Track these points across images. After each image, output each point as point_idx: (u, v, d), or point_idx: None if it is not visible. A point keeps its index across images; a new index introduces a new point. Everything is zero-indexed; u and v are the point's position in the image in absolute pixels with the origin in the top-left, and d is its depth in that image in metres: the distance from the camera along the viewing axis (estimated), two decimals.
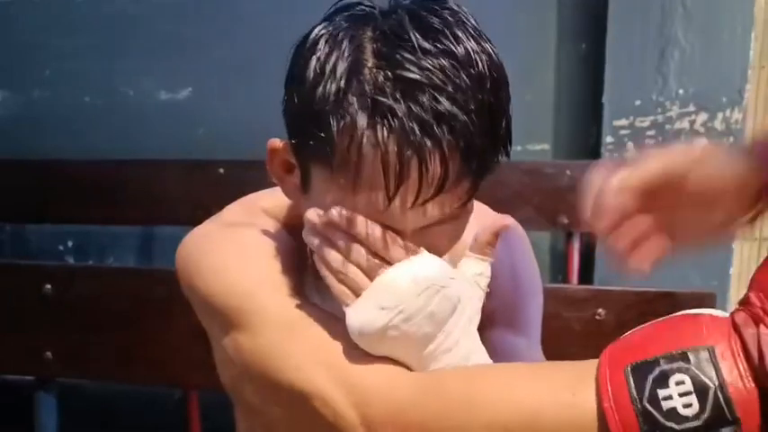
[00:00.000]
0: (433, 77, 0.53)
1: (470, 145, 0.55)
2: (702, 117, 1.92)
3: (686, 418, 0.39)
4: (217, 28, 2.04)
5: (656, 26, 1.89)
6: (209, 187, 1.88)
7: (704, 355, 0.40)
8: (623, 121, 1.94)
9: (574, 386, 0.47)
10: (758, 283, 0.43)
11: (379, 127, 0.53)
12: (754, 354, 0.39)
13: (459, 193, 0.57)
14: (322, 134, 0.55)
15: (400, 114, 0.53)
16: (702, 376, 0.40)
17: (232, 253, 0.65)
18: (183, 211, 1.88)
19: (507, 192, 1.77)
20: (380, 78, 0.54)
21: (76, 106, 2.17)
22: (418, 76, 0.53)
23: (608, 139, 1.94)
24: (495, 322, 0.79)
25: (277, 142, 0.63)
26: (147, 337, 1.15)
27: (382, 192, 0.55)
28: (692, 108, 1.91)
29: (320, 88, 0.55)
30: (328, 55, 0.56)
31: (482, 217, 0.77)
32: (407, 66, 0.53)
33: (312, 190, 0.60)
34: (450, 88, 0.53)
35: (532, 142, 2.06)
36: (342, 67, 0.54)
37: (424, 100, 0.53)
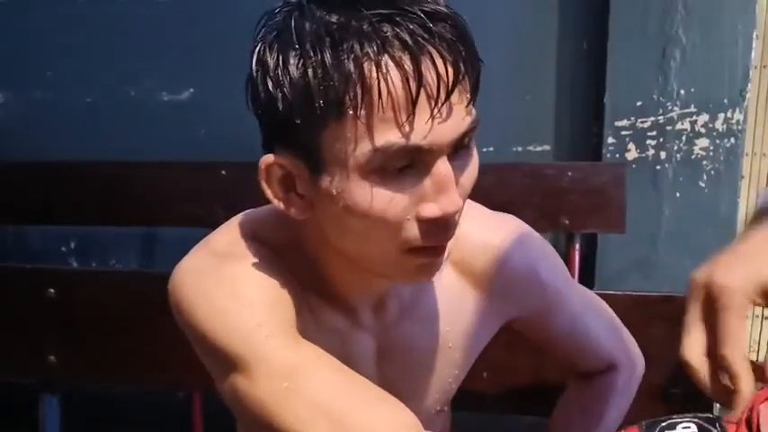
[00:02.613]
0: None
1: (464, 36, 0.57)
2: (704, 118, 1.92)
3: None
4: (219, 28, 2.04)
5: (657, 26, 1.89)
6: (211, 188, 1.88)
7: (712, 415, 0.45)
8: (624, 122, 1.94)
9: None
10: None
11: (382, 49, 0.55)
12: (755, 420, 0.43)
13: (466, 92, 0.58)
14: (329, 91, 0.55)
15: (397, 28, 0.55)
16: (707, 425, 0.44)
17: (225, 295, 0.64)
18: (185, 212, 1.88)
19: (508, 193, 1.77)
20: (365, 16, 0.56)
21: (78, 107, 2.18)
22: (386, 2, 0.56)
23: (609, 140, 1.95)
24: (543, 322, 0.83)
25: (270, 157, 0.61)
26: (150, 339, 1.15)
27: (404, 105, 0.55)
28: (693, 109, 1.92)
29: (312, 55, 0.56)
30: (300, 29, 0.57)
31: (484, 219, 0.78)
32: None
33: (326, 162, 0.58)
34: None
35: (533, 143, 2.06)
36: (323, 29, 0.56)
37: (414, 9, 0.56)
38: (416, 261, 0.62)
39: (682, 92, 1.91)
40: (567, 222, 1.84)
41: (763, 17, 1.95)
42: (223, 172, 1.90)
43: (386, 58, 0.55)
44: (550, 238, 2.02)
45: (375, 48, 0.54)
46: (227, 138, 2.04)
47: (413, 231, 0.60)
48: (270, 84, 0.58)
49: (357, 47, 0.54)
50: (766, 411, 0.42)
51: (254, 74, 0.59)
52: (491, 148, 2.00)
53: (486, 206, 0.81)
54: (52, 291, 1.18)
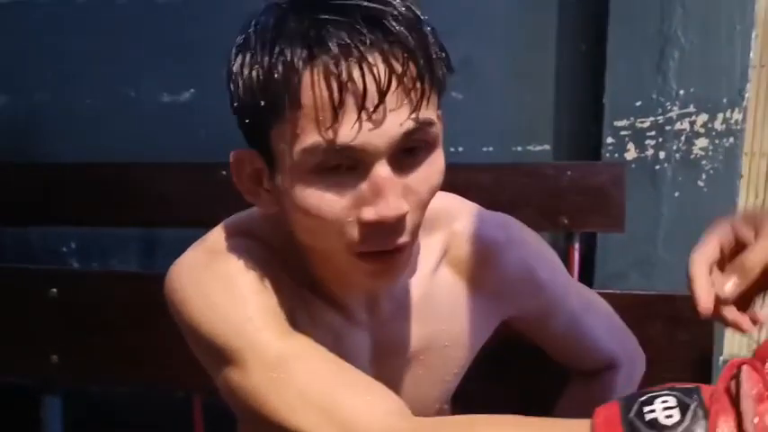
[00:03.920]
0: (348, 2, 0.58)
1: (406, 43, 0.57)
2: (703, 117, 1.92)
3: (666, 426, 0.43)
4: (219, 29, 2.03)
5: (655, 27, 1.90)
6: (212, 189, 1.88)
7: (691, 388, 0.45)
8: (624, 122, 1.94)
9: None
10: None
11: (311, 54, 0.56)
12: (733, 389, 0.43)
13: (410, 97, 0.58)
14: (267, 93, 0.57)
15: (326, 34, 0.56)
16: (686, 398, 0.44)
17: (219, 288, 0.65)
18: (186, 213, 1.89)
19: (507, 193, 1.78)
20: (304, 22, 0.57)
21: (78, 108, 2.18)
22: (335, 7, 0.57)
23: (608, 139, 1.95)
24: (542, 321, 0.83)
25: (238, 152, 0.64)
26: (151, 339, 1.16)
27: (330, 108, 0.56)
28: (692, 109, 1.92)
29: (258, 58, 0.58)
30: (255, 32, 0.59)
31: (480, 218, 0.79)
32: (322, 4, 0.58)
33: (276, 160, 0.61)
34: (366, 3, 0.57)
35: (533, 143, 2.06)
36: (269, 33, 0.58)
37: (352, 15, 0.57)
38: (367, 266, 0.63)
39: (681, 92, 1.91)
40: (566, 222, 1.84)
41: (762, 17, 1.95)
42: (223, 173, 1.89)
43: (315, 61, 0.56)
44: (550, 237, 2.03)
45: (305, 52, 0.56)
46: (228, 139, 2.03)
47: (353, 234, 0.60)
48: (231, 85, 0.61)
49: (289, 51, 0.57)
50: (748, 383, 0.43)
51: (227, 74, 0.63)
52: (490, 148, 2.00)
53: (486, 206, 0.81)
54: (54, 291, 1.18)
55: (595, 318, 0.87)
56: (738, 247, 0.60)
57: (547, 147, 2.07)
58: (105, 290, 1.21)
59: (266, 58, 0.57)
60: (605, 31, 1.92)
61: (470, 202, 0.79)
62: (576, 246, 1.91)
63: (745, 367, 0.44)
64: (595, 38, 1.97)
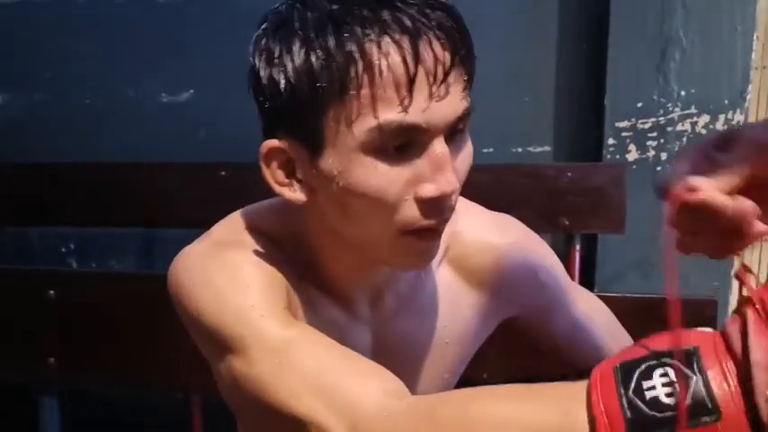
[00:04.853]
0: None
1: (460, 25, 0.61)
2: (704, 119, 1.92)
3: (668, 407, 0.41)
4: (218, 29, 2.04)
5: (657, 27, 1.89)
6: (211, 189, 1.88)
7: (688, 351, 0.42)
8: (625, 123, 1.94)
9: (567, 402, 0.47)
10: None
11: (383, 31, 0.58)
12: (737, 345, 0.41)
13: (462, 78, 0.61)
14: (331, 71, 0.58)
15: (396, 13, 0.58)
16: (685, 369, 0.42)
17: (222, 278, 0.65)
18: (185, 213, 1.88)
19: (508, 194, 1.77)
20: (367, 4, 0.58)
21: (77, 108, 2.18)
22: None
23: (609, 141, 1.95)
24: (542, 322, 0.84)
25: (271, 141, 0.63)
26: (149, 340, 1.16)
27: (404, 84, 0.58)
28: (693, 110, 1.92)
29: (315, 40, 0.58)
30: (303, 18, 0.60)
31: (482, 218, 0.79)
32: None
33: (327, 143, 0.61)
34: None
35: (533, 144, 2.06)
36: (327, 17, 0.59)
37: None
38: (414, 245, 0.64)
39: (682, 93, 1.91)
40: (566, 223, 1.84)
41: (763, 18, 1.95)
42: (223, 173, 1.90)
43: (386, 39, 0.58)
44: (550, 239, 2.03)
45: (376, 30, 0.58)
46: (227, 139, 2.04)
47: (410, 212, 0.62)
48: (273, 70, 0.60)
49: (358, 29, 0.58)
50: (755, 337, 0.41)
51: (257, 62, 0.62)
52: (491, 149, 2.00)
53: (486, 207, 0.82)
54: (52, 292, 1.18)
55: (595, 319, 0.87)
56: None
57: (547, 148, 2.06)
58: (105, 290, 1.21)
59: (329, 39, 0.58)
60: (606, 31, 1.92)
61: (472, 203, 0.80)
62: (577, 247, 1.91)
63: (750, 312, 0.41)
64: (596, 38, 1.97)
